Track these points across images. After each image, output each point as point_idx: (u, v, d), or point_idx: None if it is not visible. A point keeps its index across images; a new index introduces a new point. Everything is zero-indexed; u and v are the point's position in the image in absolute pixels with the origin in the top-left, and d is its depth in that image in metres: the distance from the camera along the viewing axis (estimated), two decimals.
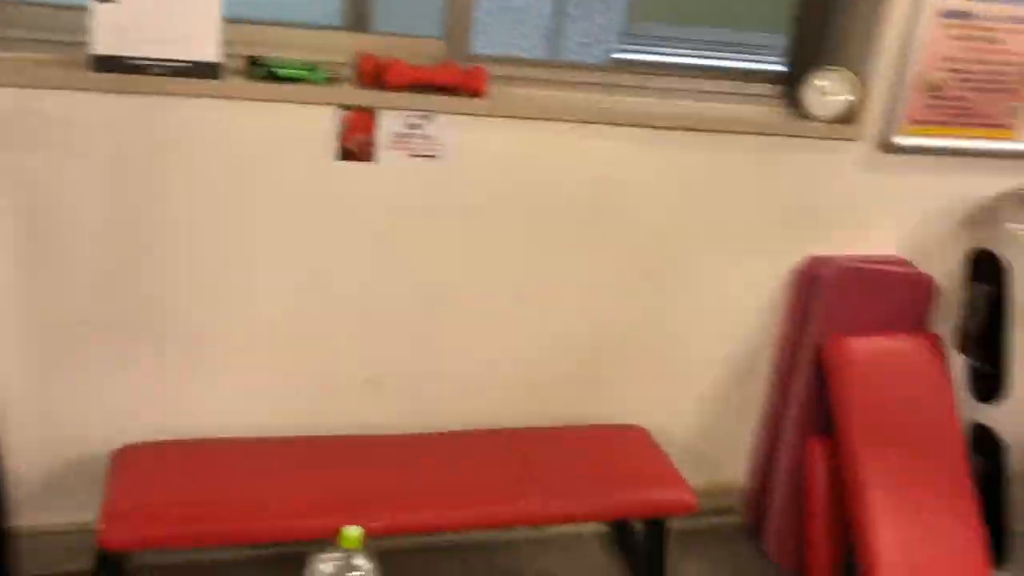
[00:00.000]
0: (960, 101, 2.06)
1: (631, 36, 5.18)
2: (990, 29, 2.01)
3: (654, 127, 1.94)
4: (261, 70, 1.69)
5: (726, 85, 2.09)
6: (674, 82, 2.06)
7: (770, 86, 2.12)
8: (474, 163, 1.85)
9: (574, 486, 1.86)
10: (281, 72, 1.68)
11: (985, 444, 2.10)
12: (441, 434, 1.98)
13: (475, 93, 1.78)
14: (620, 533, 2.18)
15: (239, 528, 1.65)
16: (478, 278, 1.95)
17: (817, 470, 2.06)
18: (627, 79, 2.05)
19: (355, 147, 1.76)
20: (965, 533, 1.99)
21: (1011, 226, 2.06)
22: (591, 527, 2.20)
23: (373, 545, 1.42)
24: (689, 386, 2.19)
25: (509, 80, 1.90)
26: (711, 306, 2.12)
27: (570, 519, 1.95)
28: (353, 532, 1.40)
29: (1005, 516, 2.09)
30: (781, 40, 2.15)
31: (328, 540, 1.41)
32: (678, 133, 1.95)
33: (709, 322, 2.14)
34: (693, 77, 2.09)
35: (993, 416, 2.10)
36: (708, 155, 1.99)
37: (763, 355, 2.20)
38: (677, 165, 1.98)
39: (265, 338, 1.86)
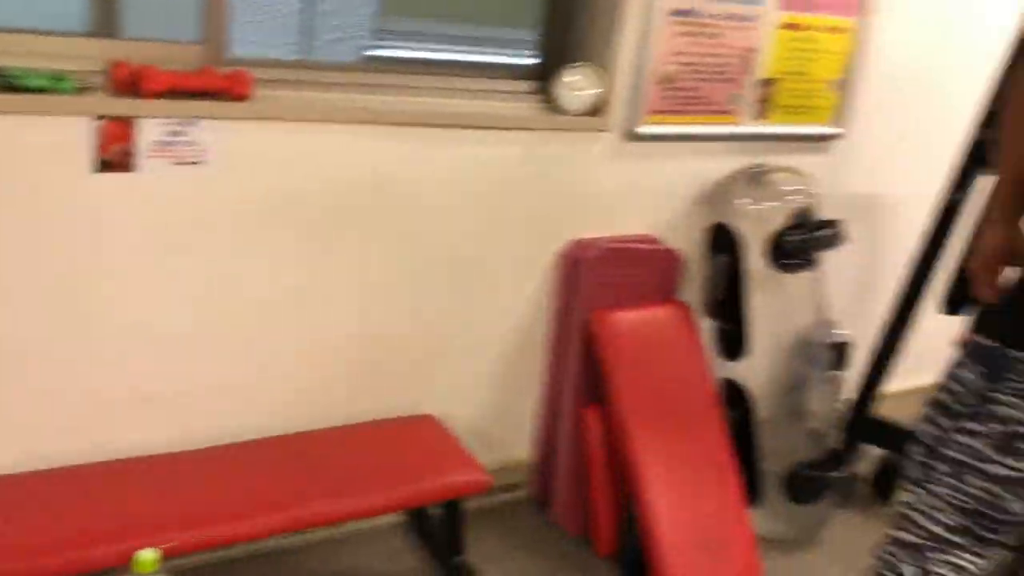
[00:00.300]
0: (690, 91, 2.28)
1: (384, 32, 5.23)
2: (712, 25, 2.24)
3: (421, 125, 2.00)
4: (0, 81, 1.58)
5: (483, 82, 2.19)
6: (437, 81, 2.13)
7: (525, 82, 2.24)
8: (243, 168, 1.83)
9: (366, 481, 1.89)
10: (22, 82, 1.58)
11: (734, 396, 2.35)
12: (227, 447, 1.94)
13: (239, 97, 1.76)
14: (418, 520, 2.24)
15: (24, 568, 1.54)
16: (252, 285, 1.93)
17: (593, 437, 2.22)
18: (391, 78, 2.09)
19: (114, 157, 1.69)
20: (725, 479, 2.22)
21: (740, 202, 2.31)
22: (390, 519, 2.25)
23: (171, 566, 1.39)
24: (472, 371, 2.29)
25: (272, 83, 1.88)
26: (487, 293, 2.22)
27: (364, 514, 1.97)
28: (148, 555, 1.36)
29: (756, 459, 2.35)
30: (531, 35, 2.28)
31: (123, 567, 1.36)
32: (444, 130, 2.03)
33: (486, 308, 2.24)
34: (451, 74, 2.17)
35: (739, 371, 2.35)
36: (473, 150, 2.08)
37: (538, 335, 2.33)
38: (445, 161, 2.06)
39: (16, 362, 1.74)
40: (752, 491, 2.33)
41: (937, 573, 1.35)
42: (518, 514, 2.38)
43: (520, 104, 2.20)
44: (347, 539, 2.17)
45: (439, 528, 2.12)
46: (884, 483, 2.60)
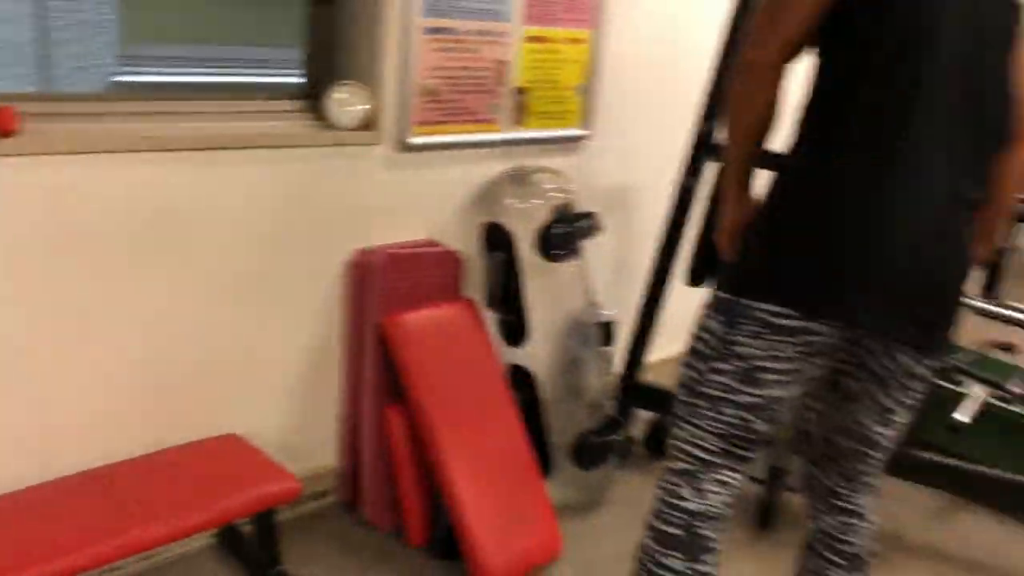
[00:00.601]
0: (453, 102, 2.45)
1: (129, 58, 5.04)
2: (466, 41, 2.42)
3: (194, 149, 2.03)
4: None
5: (253, 103, 2.24)
6: (207, 104, 2.16)
7: (294, 101, 2.32)
8: (14, 205, 1.78)
9: (174, 505, 1.89)
10: None
11: (521, 380, 2.55)
12: (24, 491, 1.88)
13: (5, 133, 1.72)
14: (231, 539, 2.25)
15: None
16: (32, 324, 1.88)
17: (396, 435, 2.33)
18: (157, 105, 2.10)
19: None
20: (520, 457, 2.41)
21: (508, 201, 2.51)
22: (203, 542, 2.24)
23: None
24: (271, 386, 2.33)
25: (35, 116, 1.85)
26: (278, 309, 2.27)
27: (176, 537, 1.94)
28: None
29: (545, 435, 2.56)
30: (296, 55, 2.36)
31: None
32: (217, 153, 2.07)
33: (278, 324, 2.29)
34: (219, 97, 2.21)
35: (523, 356, 2.55)
36: (247, 170, 2.13)
37: (333, 343, 2.41)
38: (220, 183, 2.09)
39: None
40: (545, 464, 2.54)
41: (708, 490, 1.59)
42: (330, 519, 2.45)
43: (292, 123, 2.27)
44: (162, 568, 2.15)
45: (253, 544, 2.15)
46: (655, 442, 2.91)
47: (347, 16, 2.31)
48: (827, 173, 1.47)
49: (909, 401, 1.60)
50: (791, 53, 1.48)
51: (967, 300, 3.05)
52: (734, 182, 1.62)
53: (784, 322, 1.46)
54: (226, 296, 2.17)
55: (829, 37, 1.48)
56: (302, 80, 2.36)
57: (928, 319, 1.49)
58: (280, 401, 2.35)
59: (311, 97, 2.32)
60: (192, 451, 2.11)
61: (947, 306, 1.52)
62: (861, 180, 1.43)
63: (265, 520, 2.09)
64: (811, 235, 1.45)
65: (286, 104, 2.30)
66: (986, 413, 2.84)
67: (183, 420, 2.16)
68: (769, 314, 1.47)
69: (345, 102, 2.27)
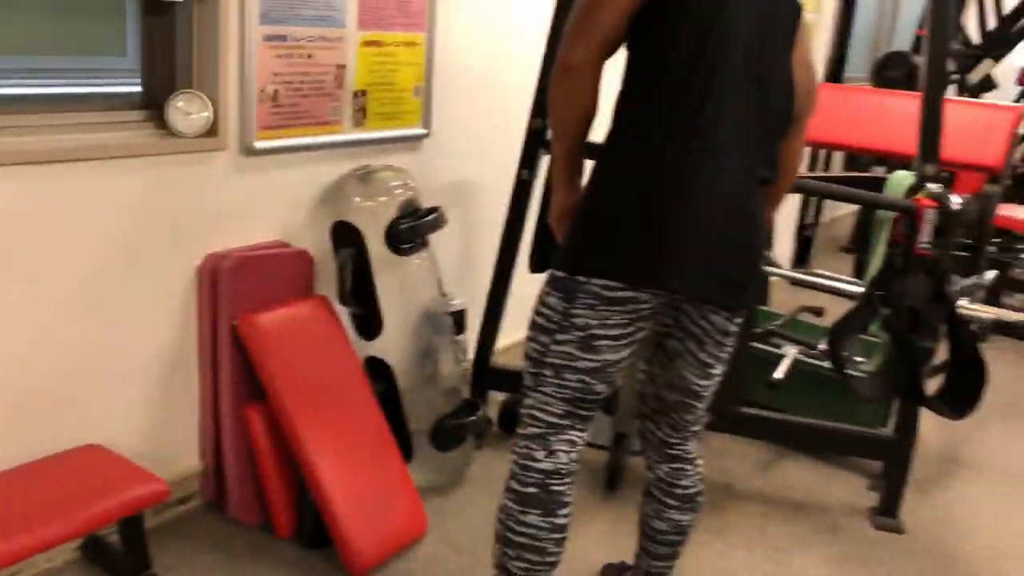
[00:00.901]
0: (295, 107, 2.53)
1: None
2: (304, 47, 2.50)
3: (32, 163, 2.02)
4: None
5: (93, 115, 2.25)
6: (44, 118, 2.15)
7: (134, 111, 2.33)
8: None
9: (39, 516, 1.89)
10: None
11: (378, 371, 2.65)
12: None
13: None
14: (95, 549, 2.25)
15: None
16: None
17: (259, 433, 2.39)
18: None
19: None
20: (381, 444, 2.52)
21: (356, 199, 2.61)
22: (70, 555, 2.23)
23: None
24: (130, 395, 2.34)
25: None
26: (131, 317, 2.29)
27: (41, 548, 1.93)
28: None
29: (405, 421, 2.68)
30: (135, 64, 2.36)
31: None
32: (61, 166, 2.07)
33: (133, 332, 2.30)
34: (53, 109, 2.20)
35: (378, 349, 2.66)
36: (96, 182, 2.14)
37: (190, 348, 2.44)
38: (65, 197, 2.09)
39: None
40: (406, 449, 2.66)
41: (558, 449, 1.76)
42: (197, 521, 2.48)
43: (134, 132, 2.29)
44: None
45: (120, 552, 2.17)
46: (508, 420, 3.08)
47: (183, 26, 2.35)
48: (640, 159, 1.66)
49: (724, 355, 1.83)
50: (604, 53, 1.66)
51: (782, 271, 3.40)
52: (561, 173, 1.79)
53: (614, 294, 1.65)
54: (80, 307, 2.17)
55: (638, 36, 1.67)
56: (141, 89, 2.37)
57: (735, 282, 1.70)
58: (140, 408, 2.37)
59: (152, 107, 2.34)
60: (52, 463, 2.11)
61: (750, 270, 1.74)
62: (670, 164, 1.63)
63: (132, 526, 2.11)
64: (630, 215, 1.64)
65: (127, 115, 2.30)
66: (798, 370, 3.18)
67: (42, 434, 2.15)
68: (601, 287, 1.65)
69: (186, 110, 2.31)
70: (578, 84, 1.67)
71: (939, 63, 2.52)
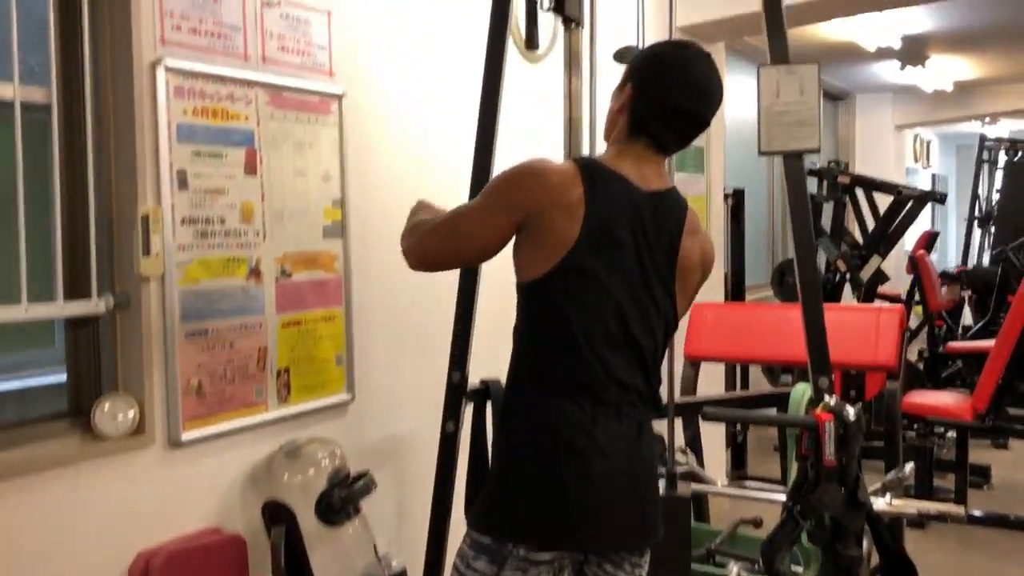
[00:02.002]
0: (219, 394, 2.62)
1: None
2: (225, 338, 2.63)
3: None
4: None
5: (15, 432, 2.30)
6: None
7: (58, 421, 2.39)
8: None
9: None
10: None
11: None
12: None
13: None
14: None
15: None
16: None
17: None
18: None
19: None
20: None
21: (284, 476, 2.66)
22: None
23: None
24: None
25: None
26: None
27: None
28: None
29: None
30: (59, 371, 2.46)
31: None
32: None
33: None
34: None
35: None
36: (24, 498, 2.17)
37: None
38: None
39: None
40: None
41: None
42: None
43: (62, 441, 2.34)
44: None
45: None
46: None
47: (107, 334, 2.47)
48: (544, 417, 1.79)
49: None
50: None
51: (715, 488, 3.48)
52: None
53: (540, 556, 1.74)
54: None
55: (529, 295, 1.85)
56: (67, 398, 2.44)
57: (646, 524, 1.81)
58: None
59: (79, 413, 2.41)
60: None
61: (650, 510, 1.86)
62: (571, 422, 1.76)
63: None
64: (541, 480, 1.76)
65: (52, 426, 2.37)
66: None
67: None
68: (527, 551, 1.74)
69: (113, 413, 2.38)
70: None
71: (811, 281, 2.75)
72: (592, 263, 1.79)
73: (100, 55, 2.42)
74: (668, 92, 1.88)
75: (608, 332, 1.80)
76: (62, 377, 2.44)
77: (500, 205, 1.83)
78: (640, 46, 2.93)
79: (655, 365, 1.92)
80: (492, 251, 1.89)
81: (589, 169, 1.84)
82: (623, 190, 1.84)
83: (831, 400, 2.60)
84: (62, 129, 2.36)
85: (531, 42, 2.83)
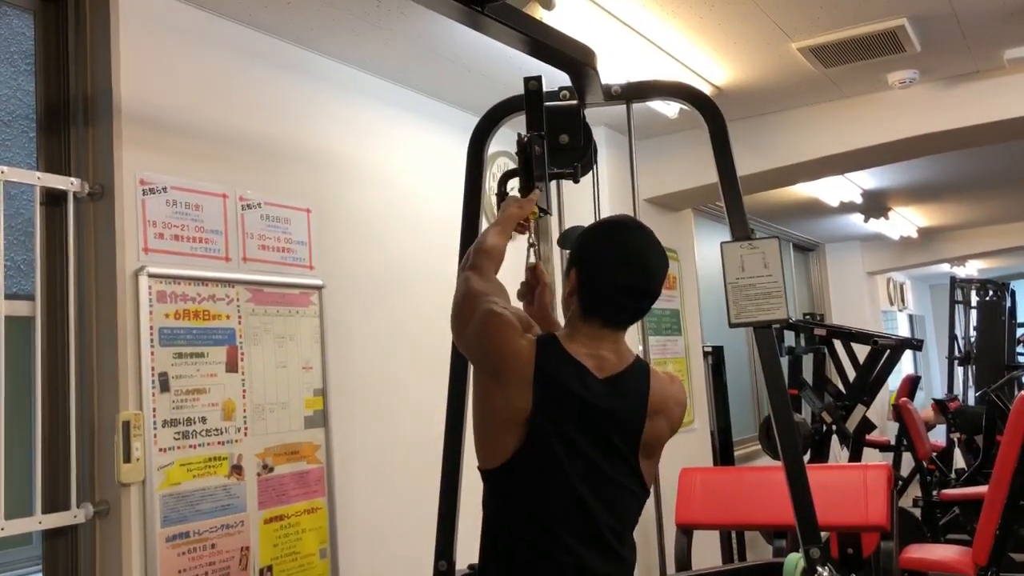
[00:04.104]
0: None
1: None
2: (207, 538, 2.59)
3: None
4: None
5: None
6: None
7: None
8: None
9: None
10: None
11: None
12: None
13: None
14: None
15: None
16: None
17: None
18: None
19: None
20: None
21: None
22: None
23: None
24: None
25: None
26: None
27: None
28: None
29: None
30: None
31: None
32: None
33: None
34: None
35: None
36: None
37: None
38: None
39: None
40: None
41: None
42: None
43: None
44: None
45: None
46: None
47: (87, 541, 2.43)
48: None
49: None
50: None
51: None
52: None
53: None
54: None
55: (488, 482, 1.86)
56: None
57: None
58: None
59: None
60: None
61: None
62: None
63: None
64: None
65: None
66: None
67: None
68: None
69: None
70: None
71: (793, 451, 2.76)
72: (546, 454, 1.82)
73: (84, 265, 2.49)
74: (610, 273, 1.91)
75: (571, 522, 1.81)
76: None
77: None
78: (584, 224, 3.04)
79: (624, 543, 1.91)
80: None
81: (545, 352, 1.87)
82: (575, 372, 1.87)
83: (824, 572, 2.57)
84: (45, 337, 2.40)
85: None
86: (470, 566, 2.77)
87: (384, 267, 3.42)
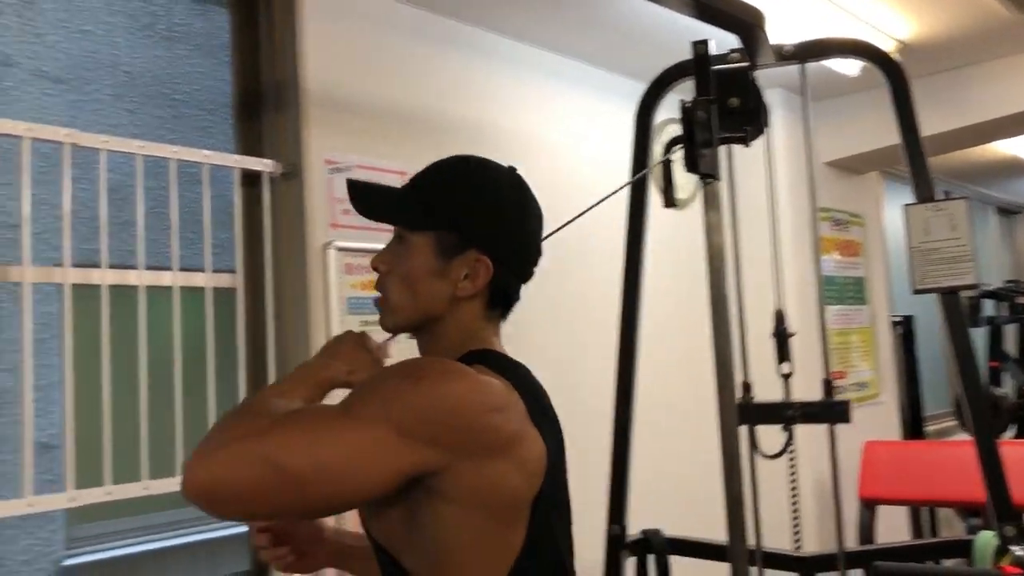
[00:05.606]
0: None
1: (80, 540, 5.21)
2: None
3: None
4: None
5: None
6: None
7: None
8: None
9: None
10: None
11: None
12: None
13: None
14: None
15: None
16: None
17: None
18: None
19: None
20: None
21: None
22: None
23: None
24: None
25: None
26: None
27: None
28: None
29: None
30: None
31: None
32: None
33: None
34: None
35: None
36: None
37: None
38: None
39: None
40: None
41: None
42: None
43: None
44: None
45: None
46: None
47: None
48: None
49: None
50: None
51: None
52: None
53: None
54: None
55: None
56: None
57: None
58: None
59: (260, 571, 2.57)
60: None
61: None
62: None
63: None
64: None
65: None
66: None
67: None
68: None
69: None
70: None
71: (982, 423, 2.61)
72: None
73: (278, 241, 2.69)
74: (535, 242, 1.60)
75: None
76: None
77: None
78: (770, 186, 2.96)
79: None
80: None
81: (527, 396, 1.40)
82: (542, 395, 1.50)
83: (1018, 551, 2.43)
84: (247, 305, 2.62)
85: (669, 201, 2.92)
86: (643, 531, 2.82)
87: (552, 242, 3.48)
